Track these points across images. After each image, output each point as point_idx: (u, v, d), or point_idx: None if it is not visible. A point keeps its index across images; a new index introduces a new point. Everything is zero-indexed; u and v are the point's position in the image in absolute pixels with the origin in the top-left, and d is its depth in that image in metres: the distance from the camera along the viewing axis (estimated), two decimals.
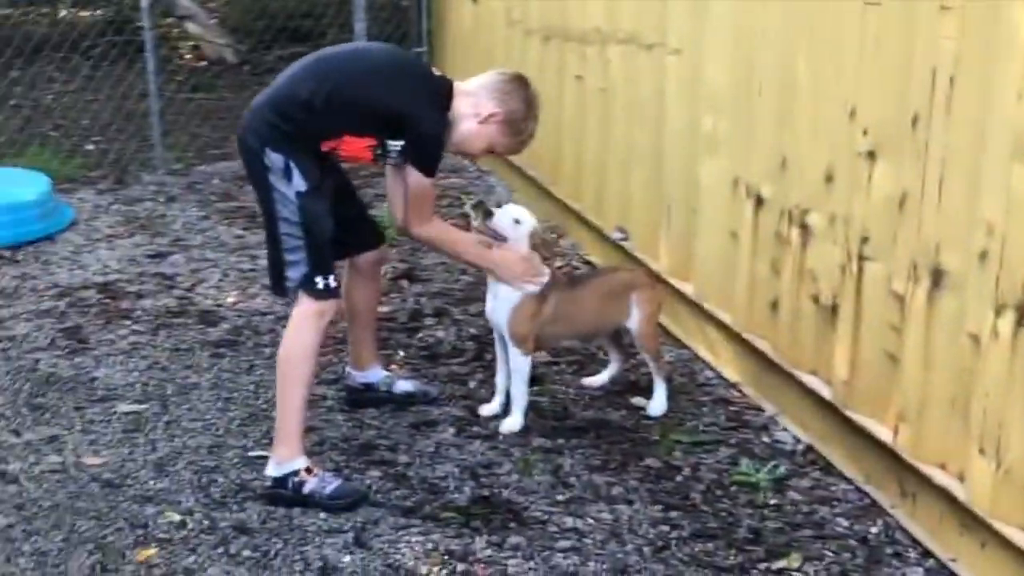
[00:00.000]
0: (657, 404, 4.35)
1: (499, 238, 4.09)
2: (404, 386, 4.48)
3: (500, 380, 4.33)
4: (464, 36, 8.14)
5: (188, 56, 11.89)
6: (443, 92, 3.87)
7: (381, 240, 4.27)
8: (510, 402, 4.26)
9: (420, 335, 5.17)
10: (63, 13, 12.52)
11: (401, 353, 4.99)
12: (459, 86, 3.93)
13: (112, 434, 4.32)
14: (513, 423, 4.22)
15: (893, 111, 3.46)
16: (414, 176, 3.82)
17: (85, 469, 4.06)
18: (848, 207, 3.71)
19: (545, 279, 4.14)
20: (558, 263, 5.96)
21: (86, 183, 7.79)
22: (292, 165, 3.72)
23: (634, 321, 4.28)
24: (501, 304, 4.15)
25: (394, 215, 4.10)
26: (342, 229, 3.90)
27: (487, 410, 4.34)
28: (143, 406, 4.53)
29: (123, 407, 4.52)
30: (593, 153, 5.87)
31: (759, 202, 4.27)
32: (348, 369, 4.49)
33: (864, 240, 3.63)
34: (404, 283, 5.80)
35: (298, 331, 3.81)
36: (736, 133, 4.44)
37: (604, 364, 4.65)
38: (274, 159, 3.73)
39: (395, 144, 3.79)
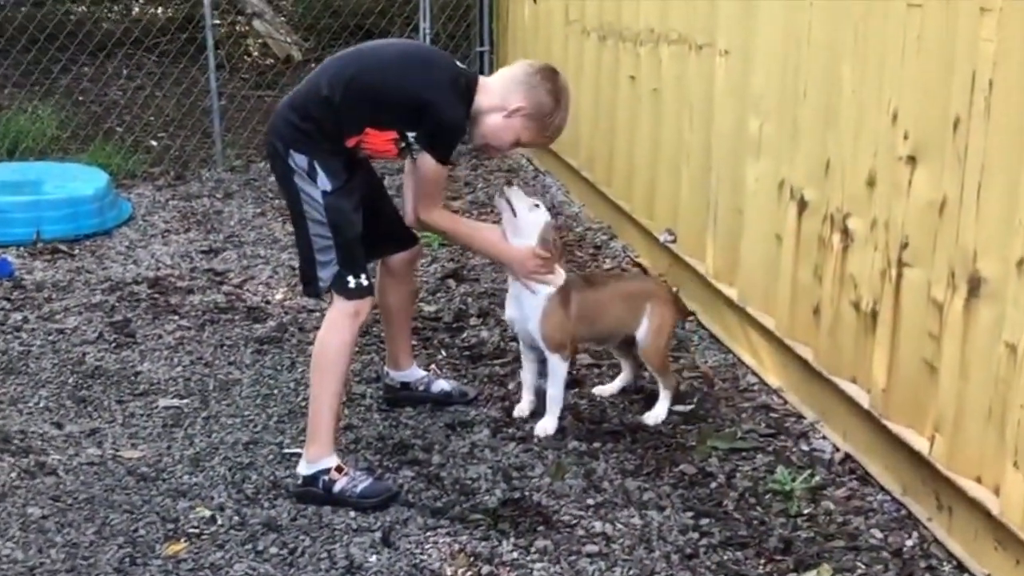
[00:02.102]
0: (656, 412, 4.28)
1: (510, 212, 4.05)
2: (441, 386, 4.47)
3: (527, 378, 4.30)
4: (525, 35, 8.12)
5: (255, 53, 11.96)
6: (467, 84, 3.83)
7: (414, 240, 4.26)
8: (543, 401, 4.22)
9: (464, 335, 5.15)
10: (135, 10, 12.67)
11: (443, 353, 4.97)
12: (484, 80, 3.90)
13: (152, 428, 4.35)
14: (548, 425, 4.19)
15: (934, 114, 3.38)
16: (427, 161, 3.77)
17: (123, 462, 4.10)
18: (888, 212, 3.64)
19: (558, 280, 4.09)
20: (607, 265, 5.94)
21: (147, 179, 7.87)
22: (316, 165, 3.71)
23: (642, 331, 4.21)
24: (529, 314, 4.10)
25: (406, 209, 4.07)
26: (373, 228, 3.89)
27: (519, 410, 4.31)
28: (184, 401, 4.56)
29: (164, 402, 4.56)
30: (644, 154, 5.82)
31: (803, 205, 4.20)
32: (386, 369, 4.48)
33: (904, 246, 3.55)
34: (451, 283, 5.78)
35: (332, 331, 3.81)
36: (781, 135, 4.37)
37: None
38: (298, 160, 3.73)
39: (414, 135, 3.76)
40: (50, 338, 5.17)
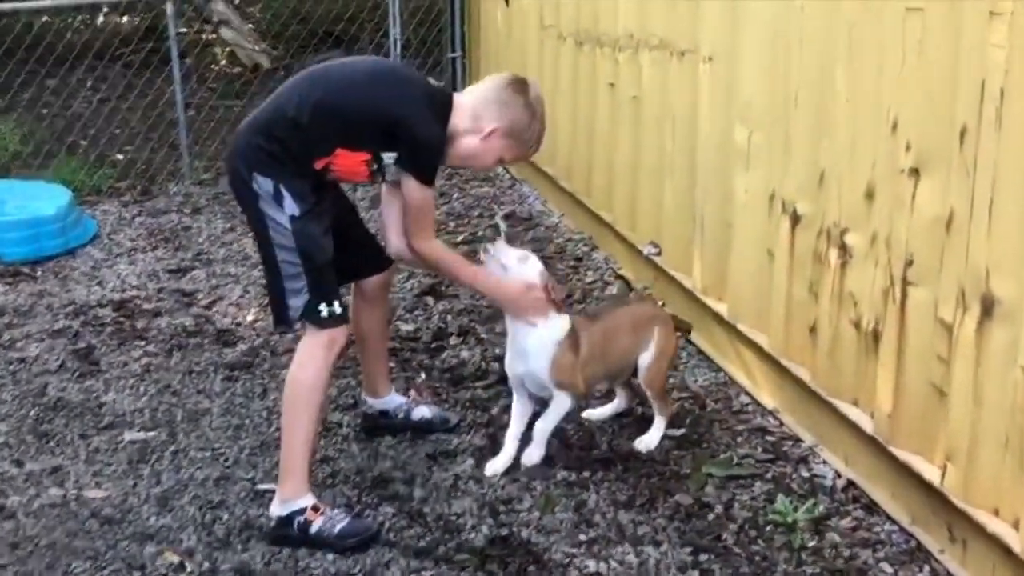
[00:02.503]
0: (648, 439, 4.08)
1: (499, 267, 3.84)
2: (422, 412, 4.27)
3: (514, 430, 4.01)
4: (498, 40, 7.91)
5: (223, 62, 11.73)
6: (441, 102, 3.64)
7: (388, 261, 4.05)
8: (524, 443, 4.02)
9: (443, 356, 4.94)
10: (101, 19, 12.41)
11: (422, 376, 4.76)
12: (458, 99, 3.69)
13: (117, 464, 4.14)
14: (534, 454, 3.98)
15: (938, 125, 3.19)
16: (412, 186, 3.57)
17: (86, 503, 3.89)
18: (890, 227, 3.45)
19: (563, 324, 3.87)
20: (590, 278, 5.74)
21: (112, 194, 7.63)
22: (282, 189, 3.50)
23: (648, 356, 4.01)
24: (536, 361, 3.86)
25: (387, 238, 3.87)
26: (344, 253, 3.69)
27: (492, 467, 3.98)
28: (151, 434, 4.35)
29: (130, 435, 4.35)
30: (625, 164, 5.62)
31: (796, 219, 4.01)
32: (364, 397, 4.27)
33: (909, 263, 3.36)
34: (429, 300, 5.57)
35: (305, 363, 3.60)
36: (771, 146, 4.18)
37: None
38: (262, 184, 3.52)
39: (390, 156, 3.57)
40: (10, 368, 4.94)
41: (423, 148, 3.55)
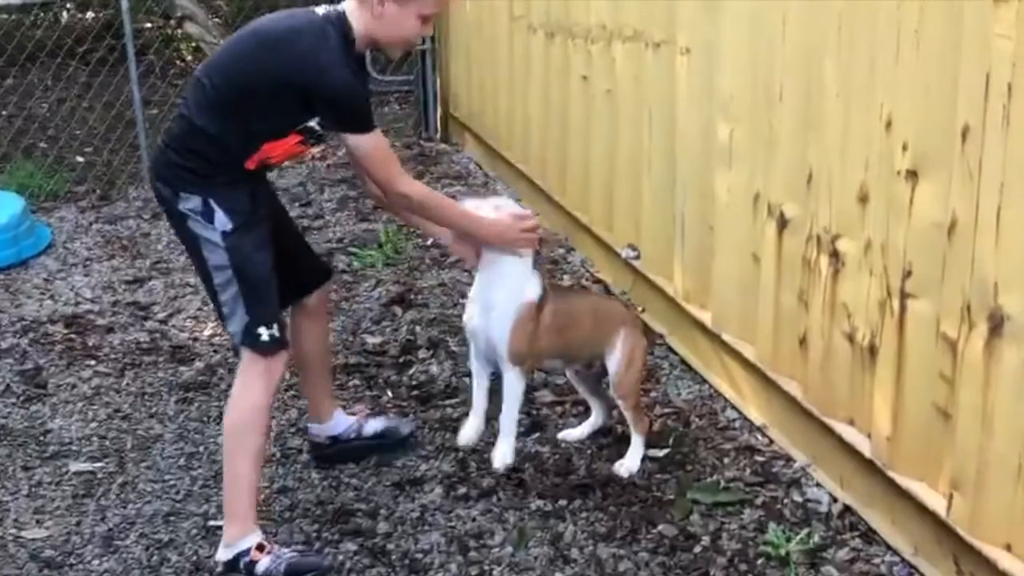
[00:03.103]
0: (629, 463, 3.79)
1: None
2: (374, 427, 3.98)
3: (478, 398, 3.70)
4: (468, 32, 7.60)
5: (189, 58, 11.40)
6: (336, 25, 3.21)
7: (328, 273, 3.76)
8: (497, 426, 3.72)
9: (412, 371, 4.65)
10: (65, 16, 12.05)
11: (389, 393, 4.48)
12: (347, 3, 3.27)
13: (60, 499, 3.86)
14: (505, 452, 3.66)
15: (937, 123, 2.91)
16: (356, 141, 3.21)
17: (25, 544, 3.62)
18: (886, 234, 3.17)
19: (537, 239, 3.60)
20: (566, 282, 5.46)
21: (71, 199, 7.32)
22: (212, 203, 3.21)
23: (614, 361, 3.72)
24: (498, 320, 3.55)
25: (365, 186, 3.60)
26: (282, 270, 3.39)
27: (464, 437, 3.70)
28: (98, 464, 4.07)
29: (76, 466, 4.07)
30: (600, 161, 5.33)
31: (783, 222, 3.74)
32: (308, 425, 3.97)
33: (907, 274, 3.08)
34: (397, 310, 5.27)
35: (244, 393, 3.32)
36: (755, 143, 3.90)
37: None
38: (191, 202, 3.23)
39: (318, 121, 3.26)
40: None
41: (341, 103, 3.18)
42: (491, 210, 3.56)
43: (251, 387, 3.30)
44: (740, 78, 3.96)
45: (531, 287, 3.58)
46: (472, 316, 3.64)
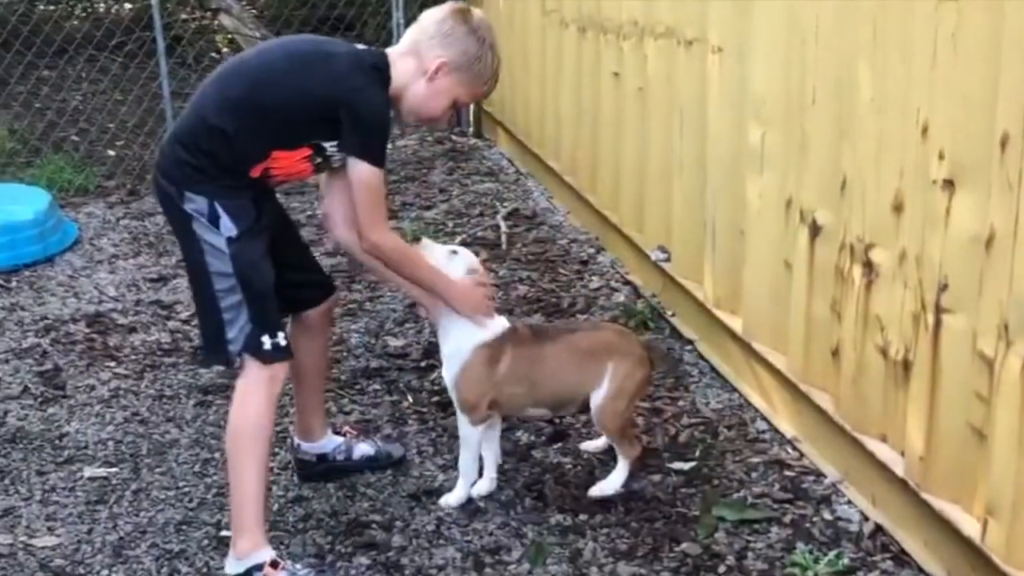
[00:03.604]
0: (608, 484, 3.63)
1: None
2: (363, 450, 3.87)
3: (487, 448, 3.67)
4: (500, 27, 7.46)
5: (225, 50, 11.36)
6: (376, 65, 3.20)
7: (332, 288, 3.67)
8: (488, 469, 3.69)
9: (433, 376, 4.54)
10: (101, 7, 12.04)
11: (409, 399, 4.38)
12: (393, 52, 3.27)
13: (73, 506, 3.78)
14: (452, 498, 3.62)
15: (975, 131, 2.77)
16: (361, 171, 3.13)
17: (35, 552, 3.54)
18: (921, 245, 3.03)
19: (494, 320, 3.50)
20: (595, 283, 5.35)
21: (100, 194, 7.28)
22: (218, 207, 3.11)
23: (600, 393, 3.49)
24: (448, 363, 3.50)
25: (330, 227, 3.48)
26: (285, 280, 3.29)
27: (477, 489, 3.67)
28: (112, 469, 3.99)
29: (90, 471, 3.99)
30: (631, 160, 5.21)
31: (815, 229, 3.60)
32: (296, 441, 3.84)
33: (943, 287, 2.94)
34: (422, 311, 5.16)
35: (247, 402, 3.23)
36: (788, 147, 3.77)
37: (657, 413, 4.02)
38: (196, 203, 3.13)
39: (333, 145, 3.18)
40: None
41: (367, 125, 3.13)
42: (443, 258, 3.46)
43: (253, 396, 3.21)
44: (772, 80, 3.83)
45: (482, 332, 3.47)
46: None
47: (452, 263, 3.47)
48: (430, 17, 3.26)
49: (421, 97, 3.24)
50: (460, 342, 3.47)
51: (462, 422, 3.54)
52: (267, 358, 3.19)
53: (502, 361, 3.46)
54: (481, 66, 3.25)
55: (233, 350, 3.20)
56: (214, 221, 3.12)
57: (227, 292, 3.16)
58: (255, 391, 3.21)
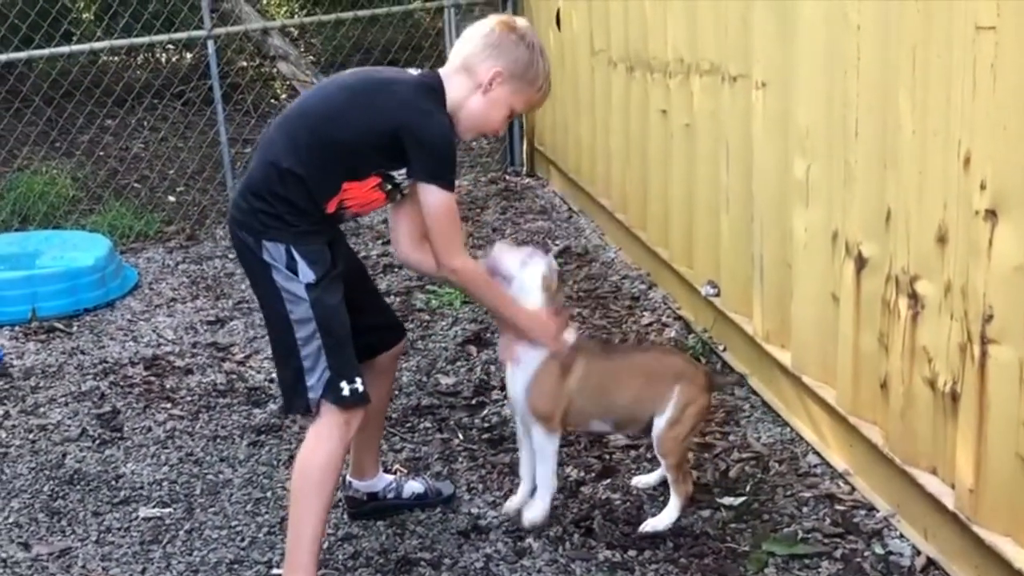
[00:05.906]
0: (660, 520, 3.61)
1: (502, 276, 3.46)
2: (413, 488, 3.89)
3: (525, 466, 3.67)
4: (551, 67, 7.52)
5: (284, 96, 11.51)
6: (430, 86, 3.24)
7: (403, 330, 3.70)
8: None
9: (484, 413, 4.57)
10: (163, 58, 12.26)
11: (460, 436, 4.40)
12: (445, 70, 3.30)
13: (128, 546, 3.84)
14: (536, 512, 3.59)
15: (1017, 160, 2.77)
16: (432, 196, 3.16)
17: None
18: (966, 276, 3.02)
19: (567, 339, 3.51)
20: (646, 319, 5.35)
21: (160, 240, 7.39)
22: (295, 254, 3.16)
23: (664, 418, 3.51)
24: (518, 373, 3.50)
25: (401, 252, 3.49)
26: (359, 324, 3.31)
27: (508, 506, 3.71)
28: (166, 510, 4.05)
29: (145, 511, 4.05)
30: (680, 196, 5.22)
31: (861, 262, 3.59)
32: (349, 479, 3.86)
33: (988, 318, 2.92)
34: (472, 349, 5.20)
35: (319, 445, 3.25)
36: (832, 179, 3.76)
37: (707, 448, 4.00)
38: (273, 252, 3.17)
39: (401, 172, 3.22)
40: (30, 436, 4.67)
41: (433, 148, 3.16)
42: (519, 266, 3.46)
43: (327, 440, 3.23)
44: (815, 112, 3.83)
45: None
46: (507, 375, 3.59)
47: (526, 271, 3.46)
48: (476, 31, 3.30)
49: (479, 110, 3.27)
50: (528, 352, 3.48)
51: (538, 433, 3.52)
52: (345, 404, 3.21)
53: (573, 372, 3.48)
54: (534, 72, 3.28)
55: (313, 397, 3.22)
56: (292, 268, 3.16)
57: (308, 339, 3.19)
58: (330, 435, 3.23)
